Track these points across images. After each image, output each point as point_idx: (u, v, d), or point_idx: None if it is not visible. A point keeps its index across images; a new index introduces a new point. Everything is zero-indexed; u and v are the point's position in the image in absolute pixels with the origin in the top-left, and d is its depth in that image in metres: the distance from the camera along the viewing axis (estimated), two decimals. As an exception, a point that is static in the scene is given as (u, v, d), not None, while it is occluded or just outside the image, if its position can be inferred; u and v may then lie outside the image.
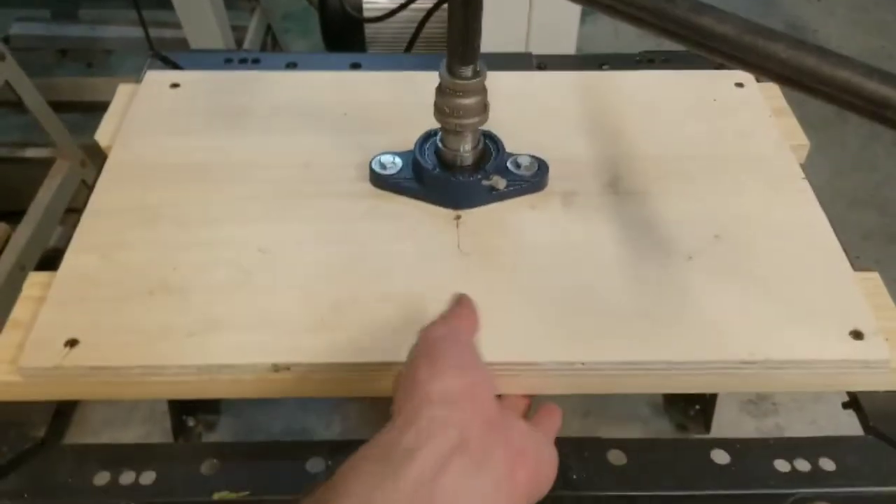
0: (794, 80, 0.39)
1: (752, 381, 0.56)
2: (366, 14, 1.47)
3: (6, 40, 2.15)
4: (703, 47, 0.42)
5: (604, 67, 0.86)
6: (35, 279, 0.61)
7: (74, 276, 0.59)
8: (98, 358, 0.54)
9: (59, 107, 1.78)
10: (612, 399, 1.58)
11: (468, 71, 0.60)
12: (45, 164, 1.75)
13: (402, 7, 1.40)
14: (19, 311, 0.59)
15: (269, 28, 2.23)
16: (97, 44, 2.25)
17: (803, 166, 0.72)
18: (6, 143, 1.84)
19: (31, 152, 1.77)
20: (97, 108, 2.22)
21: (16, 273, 1.46)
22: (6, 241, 1.54)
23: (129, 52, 2.38)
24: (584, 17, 2.78)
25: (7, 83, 1.53)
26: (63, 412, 0.62)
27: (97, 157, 1.71)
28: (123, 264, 0.60)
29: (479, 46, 0.59)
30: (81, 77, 2.17)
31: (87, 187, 1.71)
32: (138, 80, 0.80)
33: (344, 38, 1.53)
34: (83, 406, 0.70)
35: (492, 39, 1.30)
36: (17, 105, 1.69)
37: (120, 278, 0.59)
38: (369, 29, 1.50)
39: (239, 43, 2.00)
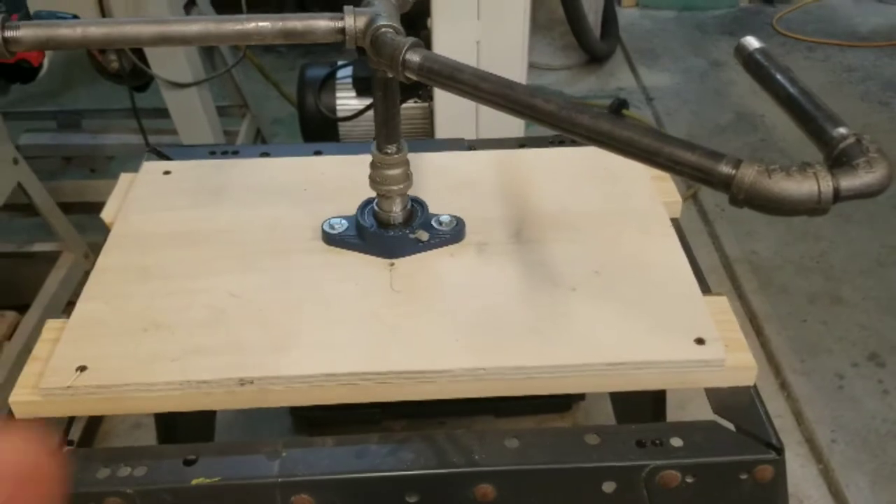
0: (596, 140, 0.56)
1: (619, 380, 0.70)
2: (339, 114, 1.67)
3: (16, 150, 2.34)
4: (537, 120, 0.59)
5: (523, 146, 1.03)
6: (51, 325, 0.77)
7: (84, 319, 0.75)
8: (102, 378, 0.69)
9: (64, 208, 1.95)
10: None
11: (392, 148, 0.77)
12: (51, 258, 1.89)
13: (369, 108, 1.60)
14: (39, 349, 0.74)
15: (258, 132, 2.44)
16: (99, 150, 2.40)
17: (676, 220, 0.88)
18: (14, 242, 1.99)
19: (38, 246, 1.93)
20: (99, 209, 2.39)
21: (24, 355, 1.60)
22: (16, 327, 1.68)
23: (129, 158, 2.57)
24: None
25: (19, 184, 1.70)
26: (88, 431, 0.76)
27: (100, 251, 1.87)
28: (123, 309, 0.76)
29: (399, 129, 0.76)
30: (85, 181, 2.35)
31: (90, 277, 1.87)
32: (137, 170, 0.98)
33: (320, 135, 1.73)
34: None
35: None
36: (25, 208, 1.85)
37: (120, 320, 0.75)
38: (343, 127, 1.70)
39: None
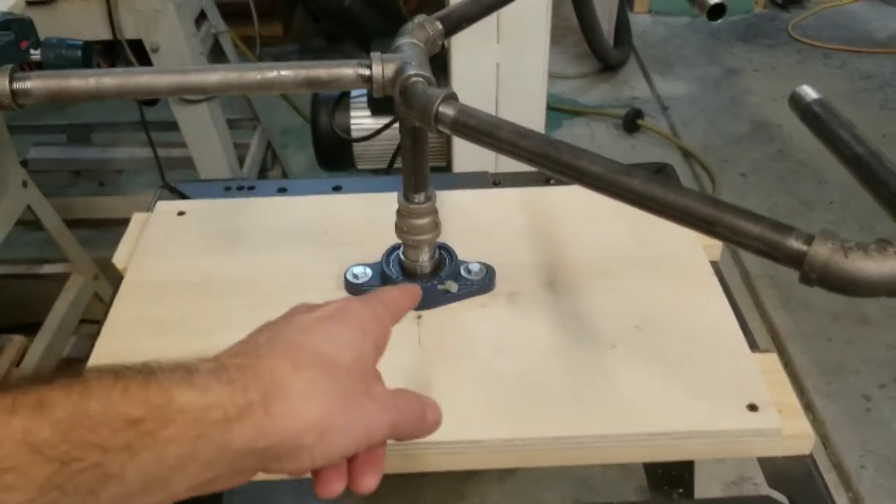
0: (647, 206, 0.52)
1: (665, 450, 0.66)
2: (353, 135, 1.63)
3: (24, 164, 2.31)
4: (581, 182, 0.54)
5: (551, 182, 0.99)
6: (62, 384, 0.72)
7: (96, 380, 0.71)
8: (116, 448, 0.65)
9: (72, 224, 1.92)
10: (600, 486, 1.66)
11: (420, 197, 0.73)
12: (60, 279, 1.86)
13: (385, 128, 1.56)
14: (49, 410, 0.70)
15: (269, 144, 2.40)
16: (108, 164, 2.38)
17: (716, 263, 0.84)
18: (23, 259, 1.96)
19: (47, 268, 1.89)
20: (108, 225, 2.35)
21: (33, 382, 1.56)
22: (24, 353, 1.64)
23: (138, 171, 2.54)
24: (560, 121, 2.96)
25: (28, 206, 1.67)
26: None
27: (109, 270, 1.83)
28: (137, 368, 0.72)
29: (427, 178, 0.72)
30: (94, 197, 2.32)
31: (100, 300, 1.84)
32: (150, 209, 0.94)
33: (335, 156, 1.69)
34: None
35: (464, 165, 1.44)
36: (33, 223, 1.82)
37: (134, 380, 0.70)
38: (357, 147, 1.66)
39: (241, 159, 2.15)
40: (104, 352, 0.74)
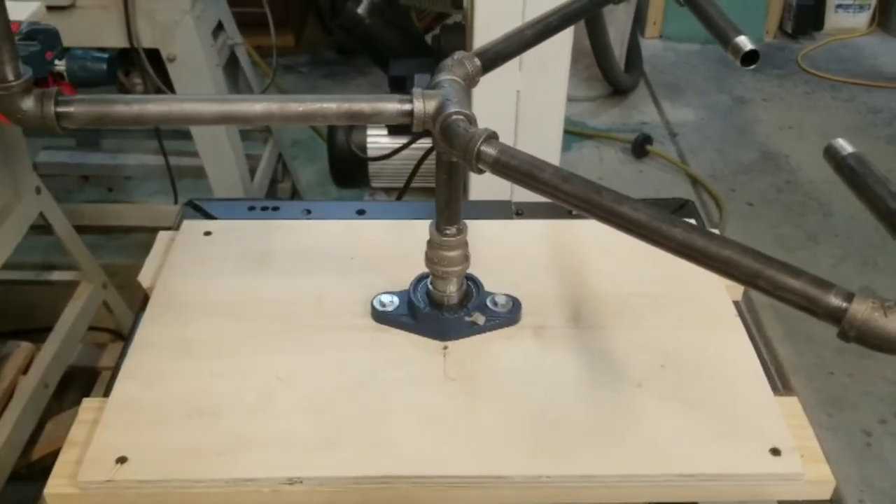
0: (688, 255, 0.53)
1: (690, 491, 0.67)
2: (369, 154, 1.64)
3: (33, 167, 2.30)
4: (623, 228, 0.55)
5: (573, 214, 0.99)
6: (88, 404, 0.73)
7: (123, 402, 0.71)
8: (144, 473, 0.65)
9: (80, 230, 1.92)
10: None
11: (452, 230, 0.74)
12: (69, 286, 1.86)
13: (402, 148, 1.57)
14: (75, 432, 0.70)
15: (279, 157, 2.41)
16: (117, 170, 2.38)
17: (738, 303, 0.84)
18: (31, 264, 1.95)
19: (56, 275, 1.89)
20: (116, 231, 2.32)
21: (40, 390, 1.56)
22: (31, 360, 1.64)
23: (146, 178, 2.55)
24: (570, 144, 2.97)
25: (41, 213, 1.67)
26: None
27: (116, 276, 1.80)
28: (164, 391, 0.72)
29: (460, 211, 0.73)
30: (102, 203, 2.32)
31: (108, 309, 1.84)
32: (175, 226, 0.94)
33: (350, 174, 1.70)
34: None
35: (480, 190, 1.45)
36: (40, 227, 1.82)
37: (162, 403, 0.71)
38: (373, 166, 1.66)
39: (252, 171, 2.16)
40: (132, 373, 0.74)
